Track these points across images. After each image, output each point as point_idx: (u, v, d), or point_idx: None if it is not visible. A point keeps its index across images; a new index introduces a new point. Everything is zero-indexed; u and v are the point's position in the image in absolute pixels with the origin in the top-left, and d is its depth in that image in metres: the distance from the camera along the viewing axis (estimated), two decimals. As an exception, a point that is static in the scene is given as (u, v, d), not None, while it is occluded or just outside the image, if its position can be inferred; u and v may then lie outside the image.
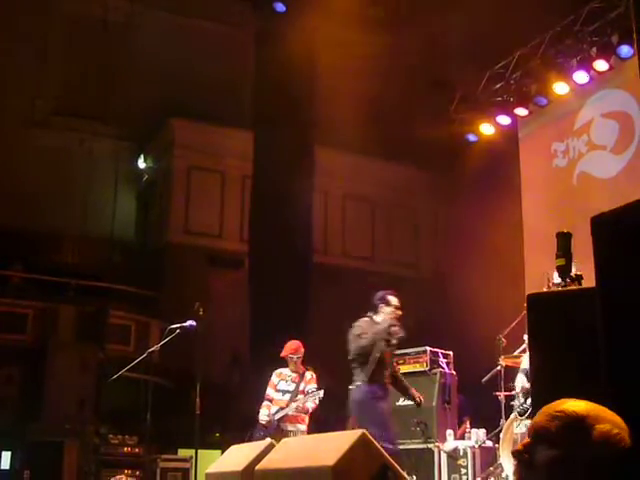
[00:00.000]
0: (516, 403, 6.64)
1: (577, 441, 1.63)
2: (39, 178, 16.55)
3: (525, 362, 6.72)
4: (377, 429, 6.33)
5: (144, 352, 7.89)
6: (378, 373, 7.16)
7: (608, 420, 1.66)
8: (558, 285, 6.11)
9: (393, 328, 7.29)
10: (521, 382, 6.57)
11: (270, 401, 8.12)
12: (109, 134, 18.07)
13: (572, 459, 1.62)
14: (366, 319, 7.39)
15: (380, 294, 7.52)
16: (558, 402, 1.72)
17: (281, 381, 8.18)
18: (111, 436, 11.14)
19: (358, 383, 7.17)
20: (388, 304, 7.41)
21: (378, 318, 7.35)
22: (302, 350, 8.22)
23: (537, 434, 1.69)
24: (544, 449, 1.66)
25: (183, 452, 11.17)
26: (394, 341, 7.32)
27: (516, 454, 1.72)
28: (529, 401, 6.44)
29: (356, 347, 7.23)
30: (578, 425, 1.65)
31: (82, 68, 17.05)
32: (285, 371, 8.23)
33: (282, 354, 8.19)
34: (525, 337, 6.74)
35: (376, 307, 7.45)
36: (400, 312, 7.42)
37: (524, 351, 6.98)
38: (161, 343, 7.75)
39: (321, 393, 7.80)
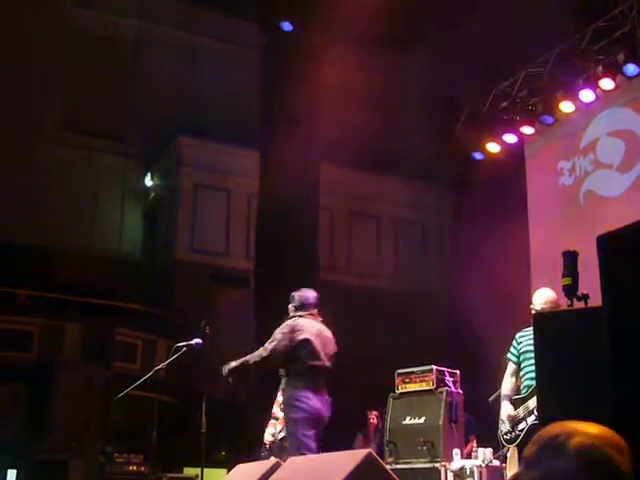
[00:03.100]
0: (502, 430, 6.53)
1: (551, 460, 1.64)
2: (46, 194, 16.62)
3: (506, 387, 6.64)
4: None
5: (150, 370, 7.88)
6: None
7: (583, 433, 1.65)
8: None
9: None
10: (508, 409, 6.47)
11: (276, 419, 8.07)
12: (116, 151, 18.16)
13: (547, 477, 1.63)
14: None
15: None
16: (544, 429, 1.74)
17: None
18: (117, 454, 11.11)
19: None
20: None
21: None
22: None
23: (524, 461, 1.72)
24: (526, 475, 1.68)
25: (189, 471, 11.15)
26: None
27: None
28: (517, 428, 6.36)
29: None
30: (552, 444, 1.66)
31: (90, 85, 17.15)
32: None
33: None
34: (508, 356, 6.69)
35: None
36: None
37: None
38: (167, 361, 7.74)
39: None
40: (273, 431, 7.98)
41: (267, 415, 8.25)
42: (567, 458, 1.62)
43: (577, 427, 1.67)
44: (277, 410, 8.11)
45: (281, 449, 7.78)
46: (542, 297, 6.35)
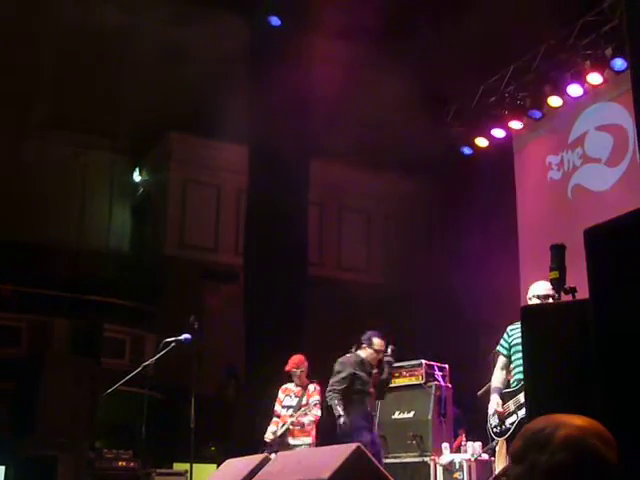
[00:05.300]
0: (492, 424, 6.53)
1: (537, 452, 1.64)
2: (34, 191, 16.53)
3: (496, 380, 6.64)
4: None
5: (139, 366, 7.87)
6: None
7: (569, 425, 1.65)
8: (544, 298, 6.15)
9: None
10: (496, 403, 6.47)
11: (278, 417, 8.12)
12: (104, 147, 18.07)
13: (533, 470, 1.63)
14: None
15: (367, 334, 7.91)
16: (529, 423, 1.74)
17: (286, 397, 8.19)
18: (106, 450, 11.06)
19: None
20: (370, 345, 7.81)
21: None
22: (305, 364, 8.24)
23: (510, 457, 1.73)
24: (513, 470, 1.68)
25: (178, 466, 11.11)
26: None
27: (495, 479, 1.78)
28: (507, 421, 6.36)
29: None
30: (537, 437, 1.66)
31: (77, 81, 17.06)
32: (290, 386, 8.25)
33: (286, 368, 8.21)
34: (499, 349, 6.69)
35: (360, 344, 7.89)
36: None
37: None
38: (156, 357, 7.73)
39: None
40: (275, 429, 8.02)
41: (257, 411, 8.27)
42: (553, 451, 1.62)
43: (563, 420, 1.67)
44: (279, 408, 8.14)
45: (281, 445, 7.82)
46: (542, 288, 6.26)
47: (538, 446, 1.64)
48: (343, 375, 7.62)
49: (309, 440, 7.92)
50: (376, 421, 7.85)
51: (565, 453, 1.61)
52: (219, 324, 14.92)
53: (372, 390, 7.66)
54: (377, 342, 7.77)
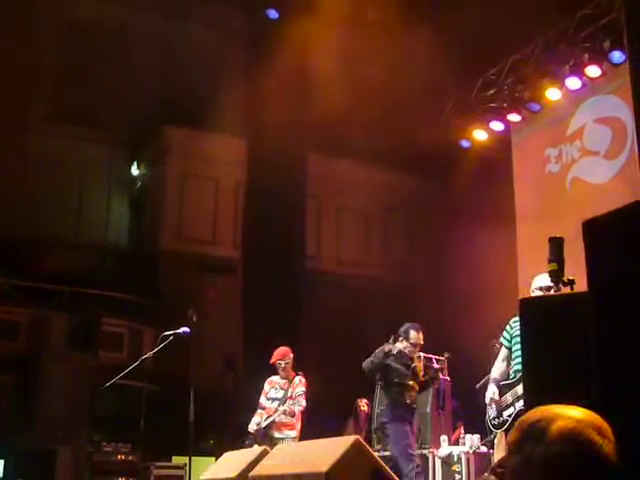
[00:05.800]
0: (490, 415, 6.53)
1: (534, 444, 1.64)
2: (32, 184, 16.50)
3: (496, 371, 6.65)
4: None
5: (137, 359, 7.87)
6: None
7: (565, 417, 1.65)
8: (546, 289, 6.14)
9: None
10: (491, 393, 6.47)
11: (263, 409, 8.13)
12: (102, 140, 18.05)
13: (529, 462, 1.63)
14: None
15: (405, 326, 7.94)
16: (526, 414, 1.74)
17: (272, 389, 8.21)
18: (104, 443, 11.08)
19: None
20: (407, 338, 7.80)
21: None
22: (290, 356, 8.24)
23: (508, 448, 1.73)
24: (510, 460, 1.68)
25: (177, 459, 11.13)
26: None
27: (492, 471, 1.77)
28: (505, 413, 6.36)
29: None
30: (534, 428, 1.66)
31: (75, 74, 17.03)
32: (275, 378, 8.25)
33: (271, 361, 8.22)
34: (501, 340, 6.69)
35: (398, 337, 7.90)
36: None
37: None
38: (155, 350, 7.74)
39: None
40: (259, 420, 8.03)
41: (252, 404, 8.28)
42: (549, 442, 1.62)
43: (559, 411, 1.67)
44: (263, 400, 8.15)
45: (265, 437, 7.83)
46: (544, 281, 6.26)
47: (534, 437, 1.64)
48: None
49: (293, 434, 7.93)
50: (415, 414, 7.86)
51: (561, 445, 1.60)
52: (217, 317, 14.91)
53: (411, 383, 7.64)
54: (414, 335, 7.77)
